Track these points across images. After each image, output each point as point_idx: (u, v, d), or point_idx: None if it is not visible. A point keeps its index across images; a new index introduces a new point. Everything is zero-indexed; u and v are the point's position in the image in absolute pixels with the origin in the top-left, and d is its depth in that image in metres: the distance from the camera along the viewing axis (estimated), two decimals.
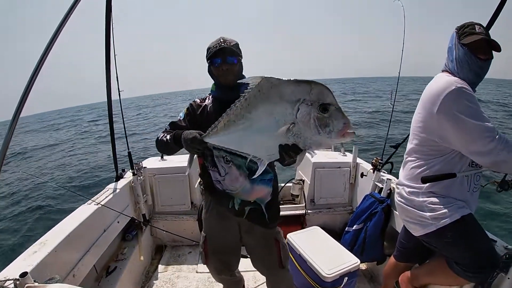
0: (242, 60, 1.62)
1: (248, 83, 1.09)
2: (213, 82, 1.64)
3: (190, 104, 1.68)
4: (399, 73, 2.83)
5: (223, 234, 1.85)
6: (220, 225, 1.83)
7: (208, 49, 1.54)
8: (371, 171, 2.76)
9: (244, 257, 2.19)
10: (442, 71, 1.63)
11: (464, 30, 1.52)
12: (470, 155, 1.47)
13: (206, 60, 1.58)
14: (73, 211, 2.14)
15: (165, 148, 1.58)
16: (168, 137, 1.53)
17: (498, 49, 1.50)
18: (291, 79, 1.03)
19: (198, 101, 1.68)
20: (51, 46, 1.66)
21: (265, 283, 2.10)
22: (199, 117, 1.63)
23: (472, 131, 1.39)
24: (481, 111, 1.41)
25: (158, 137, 1.61)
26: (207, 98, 1.68)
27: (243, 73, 1.65)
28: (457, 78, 1.49)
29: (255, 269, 2.58)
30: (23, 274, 1.28)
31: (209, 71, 1.61)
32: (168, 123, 1.68)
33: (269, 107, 1.08)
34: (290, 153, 1.10)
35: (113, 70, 2.61)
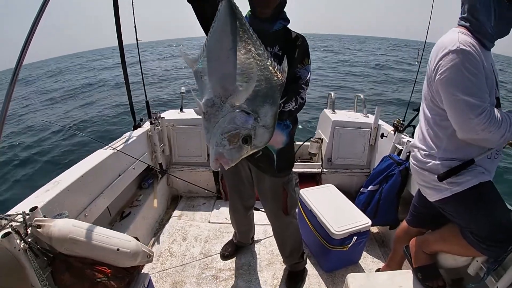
0: None
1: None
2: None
3: None
4: (428, 29, 2.61)
5: (236, 178, 1.88)
6: (231, 169, 1.83)
7: None
8: (392, 132, 2.65)
9: (256, 209, 2.21)
10: (458, 25, 1.39)
11: None
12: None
13: None
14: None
15: None
16: None
17: None
18: None
19: None
20: None
21: (273, 236, 2.12)
22: None
23: (458, 105, 1.26)
24: (475, 83, 1.23)
25: None
26: None
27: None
28: (466, 37, 1.28)
29: (266, 223, 2.61)
30: (33, 209, 1.32)
31: None
32: None
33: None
34: None
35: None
